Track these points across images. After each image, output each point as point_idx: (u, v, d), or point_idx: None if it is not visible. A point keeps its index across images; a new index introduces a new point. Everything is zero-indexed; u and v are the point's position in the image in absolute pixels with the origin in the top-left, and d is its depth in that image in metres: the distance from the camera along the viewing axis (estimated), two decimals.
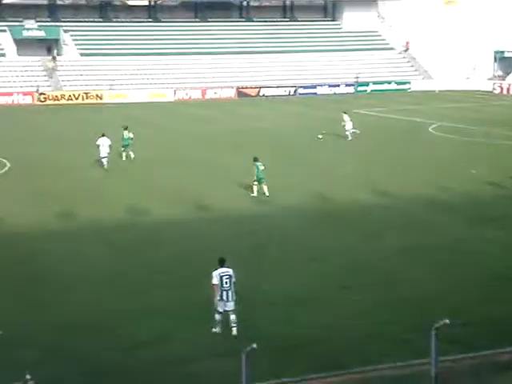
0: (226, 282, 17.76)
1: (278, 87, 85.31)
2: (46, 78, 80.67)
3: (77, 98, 77.93)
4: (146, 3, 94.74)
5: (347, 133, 49.72)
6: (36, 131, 54.71)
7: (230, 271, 17.91)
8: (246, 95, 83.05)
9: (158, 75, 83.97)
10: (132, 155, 41.45)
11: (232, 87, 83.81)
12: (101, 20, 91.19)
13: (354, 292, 20.72)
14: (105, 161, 39.40)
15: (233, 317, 17.93)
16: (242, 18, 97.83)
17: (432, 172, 37.91)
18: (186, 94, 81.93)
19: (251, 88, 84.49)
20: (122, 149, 41.66)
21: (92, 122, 59.48)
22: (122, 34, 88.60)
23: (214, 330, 18.08)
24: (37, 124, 59.54)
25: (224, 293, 17.78)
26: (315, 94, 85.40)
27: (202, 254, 23.77)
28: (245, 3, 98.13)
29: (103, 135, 40.12)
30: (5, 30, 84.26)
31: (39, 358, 16.46)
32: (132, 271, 22.68)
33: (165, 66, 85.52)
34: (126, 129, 42.27)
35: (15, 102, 75.82)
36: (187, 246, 25.29)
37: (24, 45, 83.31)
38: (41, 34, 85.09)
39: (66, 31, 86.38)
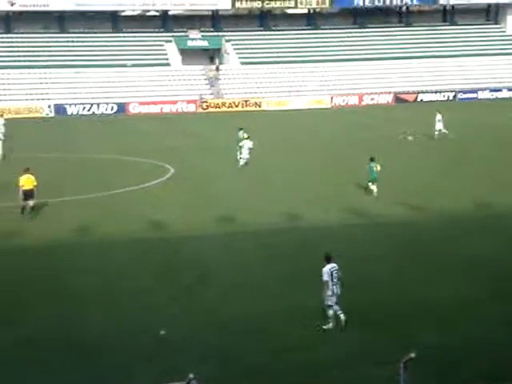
0: (335, 277, 18.50)
1: (436, 92, 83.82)
2: (208, 87, 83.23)
3: (236, 106, 79.92)
4: (306, 11, 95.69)
5: (436, 132, 51.87)
6: (198, 138, 56.64)
7: (336, 266, 18.64)
8: (404, 101, 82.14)
9: (315, 82, 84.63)
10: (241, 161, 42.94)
11: (389, 93, 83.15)
12: (261, 29, 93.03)
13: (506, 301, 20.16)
14: (242, 161, 42.15)
15: (337, 307, 18.58)
16: (401, 23, 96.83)
17: None
18: (343, 101, 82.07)
19: (409, 93, 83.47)
20: (238, 149, 43.50)
21: (250, 128, 60.76)
22: (281, 42, 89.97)
23: (325, 327, 18.51)
24: (199, 131, 61.60)
25: (334, 287, 18.47)
26: (476, 98, 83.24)
27: (353, 260, 23.97)
28: (404, 8, 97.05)
29: (247, 138, 42.80)
30: (170, 41, 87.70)
31: (198, 358, 17.05)
32: (284, 274, 23.01)
33: (322, 72, 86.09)
34: (241, 130, 45.22)
35: (179, 110, 78.72)
36: (336, 251, 25.41)
37: (188, 54, 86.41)
38: (204, 43, 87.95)
39: (227, 41, 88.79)
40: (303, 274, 22.84)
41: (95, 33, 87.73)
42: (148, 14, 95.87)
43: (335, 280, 18.48)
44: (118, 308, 20.52)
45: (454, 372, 16.08)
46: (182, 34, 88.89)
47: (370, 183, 33.81)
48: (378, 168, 33.62)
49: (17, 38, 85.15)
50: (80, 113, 76.91)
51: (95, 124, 68.41)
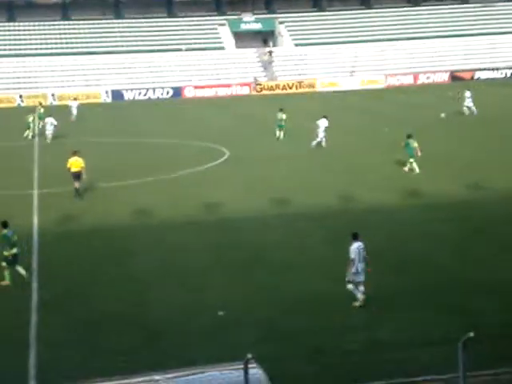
0: (363, 255, 18.69)
1: (493, 70, 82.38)
2: (262, 69, 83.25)
3: (291, 88, 79.83)
4: None
5: (464, 108, 52.68)
6: (252, 120, 56.82)
7: (363, 244, 18.79)
8: (461, 79, 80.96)
9: (369, 61, 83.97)
10: (282, 135, 45.23)
11: (446, 71, 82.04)
12: (315, 10, 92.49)
13: None
14: (316, 142, 42.19)
15: (362, 288, 18.74)
16: (456, 0, 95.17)
17: None
18: (398, 80, 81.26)
19: (465, 71, 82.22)
20: (277, 129, 45.66)
21: (305, 109, 60.75)
22: (336, 22, 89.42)
23: (356, 303, 18.77)
24: (253, 113, 61.77)
25: (359, 265, 18.65)
26: None
27: (408, 240, 23.96)
28: None
29: (324, 117, 42.78)
30: (224, 24, 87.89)
31: (257, 338, 17.28)
32: (343, 255, 23.05)
33: (376, 52, 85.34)
34: (281, 110, 46.22)
35: (234, 93, 78.99)
36: (395, 232, 25.41)
37: (242, 37, 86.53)
38: (257, 26, 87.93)
39: (281, 23, 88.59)
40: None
41: (150, 18, 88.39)
42: None
43: (361, 258, 18.69)
44: (178, 288, 20.87)
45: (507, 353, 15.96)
46: (236, 17, 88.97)
47: (411, 160, 34.30)
48: (415, 145, 34.32)
49: (74, 24, 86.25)
50: (136, 98, 77.71)
51: (152, 108, 69.08)
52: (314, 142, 42.32)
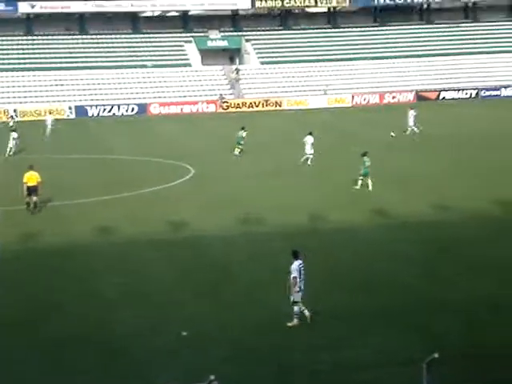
0: (302, 273, 18.62)
1: (458, 90, 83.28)
2: (229, 87, 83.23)
3: (257, 106, 79.88)
4: (326, 10, 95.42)
5: (409, 128, 54.02)
6: (218, 138, 56.63)
7: (302, 263, 18.71)
8: (426, 99, 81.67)
9: (335, 81, 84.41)
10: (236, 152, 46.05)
11: (411, 91, 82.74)
12: (281, 28, 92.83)
13: None
14: (304, 159, 42.49)
15: (297, 308, 18.59)
16: (421, 20, 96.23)
17: None
18: (364, 100, 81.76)
19: (430, 91, 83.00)
20: (240, 147, 46.47)
21: (271, 127, 60.77)
22: (302, 41, 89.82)
23: (289, 324, 18.57)
24: (219, 131, 61.60)
25: (301, 284, 18.56)
26: (498, 95, 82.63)
27: (379, 261, 23.85)
28: (425, 6, 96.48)
29: (310, 133, 43.08)
30: (190, 41, 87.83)
31: (224, 357, 16.99)
32: (309, 275, 22.87)
33: (343, 71, 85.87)
34: (242, 129, 47.32)
35: (199, 110, 78.78)
36: (362, 251, 25.31)
37: (208, 54, 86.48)
38: (224, 43, 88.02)
39: (247, 40, 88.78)
40: (328, 277, 22.73)
41: (115, 33, 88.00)
42: (168, 14, 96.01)
43: (302, 276, 18.59)
44: (143, 307, 20.54)
45: (476, 373, 15.86)
46: (202, 34, 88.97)
47: (362, 177, 35.23)
48: (368, 164, 35.21)
49: (38, 40, 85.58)
50: (101, 114, 77.12)
51: (117, 125, 68.56)
52: (302, 159, 42.57)
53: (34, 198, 31.92)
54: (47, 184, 33.41)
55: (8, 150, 48.71)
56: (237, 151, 46.66)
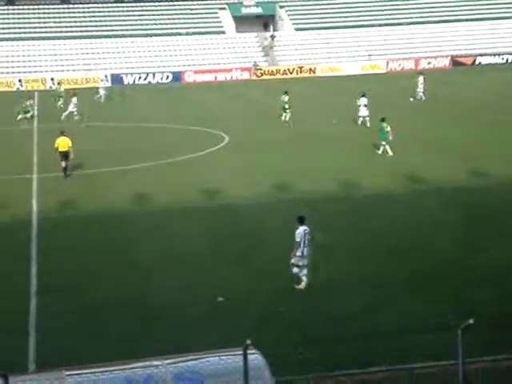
0: (308, 239, 18.94)
1: (494, 55, 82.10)
2: (263, 54, 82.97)
3: (291, 72, 79.54)
4: None
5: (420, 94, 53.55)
6: (252, 105, 56.65)
7: (308, 229, 19.03)
8: (462, 64, 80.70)
9: (370, 47, 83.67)
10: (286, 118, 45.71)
11: (446, 56, 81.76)
12: None
13: None
14: (361, 120, 43.34)
15: (305, 271, 19.04)
16: None
17: None
18: (399, 65, 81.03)
19: (466, 57, 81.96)
20: (283, 112, 46.23)
21: (306, 94, 60.60)
22: (337, 6, 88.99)
23: (300, 286, 19.04)
24: (252, 98, 61.58)
25: (305, 249, 18.90)
26: None
27: (412, 227, 23.92)
28: None
29: (363, 95, 43.73)
30: (224, 8, 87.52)
31: (257, 324, 17.28)
32: (340, 242, 23.06)
33: (378, 37, 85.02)
34: (285, 93, 46.88)
35: (233, 78, 78.72)
36: (395, 218, 25.38)
37: (242, 21, 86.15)
38: (258, 10, 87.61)
39: (281, 7, 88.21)
40: (359, 243, 22.88)
41: (151, 1, 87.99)
42: None
43: (307, 242, 18.92)
44: (178, 273, 20.89)
45: (510, 341, 15.94)
46: (236, 0, 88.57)
47: (383, 143, 35.32)
48: (388, 129, 35.28)
49: (73, 8, 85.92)
50: (136, 82, 77.46)
51: (152, 92, 68.87)
52: (359, 121, 43.35)
53: (64, 163, 33.08)
54: (85, 151, 33.93)
55: (68, 113, 50.86)
56: (284, 117, 46.01)
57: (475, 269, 20.29)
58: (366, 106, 43.33)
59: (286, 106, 46.15)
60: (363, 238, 23.35)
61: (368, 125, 42.57)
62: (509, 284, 19.21)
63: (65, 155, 33.02)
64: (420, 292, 18.91)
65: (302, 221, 19.23)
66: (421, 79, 54.43)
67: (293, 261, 19.11)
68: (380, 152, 35.55)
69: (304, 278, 19.14)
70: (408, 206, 26.93)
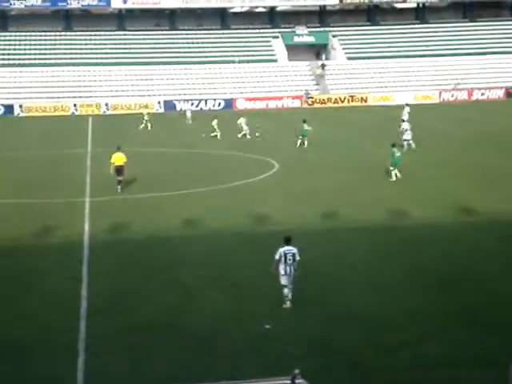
0: (290, 259, 19.67)
1: None
2: (314, 82, 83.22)
3: (342, 101, 79.61)
4: (414, 5, 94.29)
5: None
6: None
7: (294, 250, 19.77)
8: None
9: (423, 77, 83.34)
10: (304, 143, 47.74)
11: (501, 88, 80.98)
12: (368, 23, 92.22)
13: None
14: (406, 143, 45.11)
15: (286, 290, 19.82)
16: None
17: None
18: (452, 96, 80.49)
19: None
20: (300, 137, 48.24)
21: (357, 123, 60.46)
22: (389, 36, 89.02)
23: (284, 306, 19.75)
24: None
25: (287, 268, 19.67)
26: None
27: (458, 258, 23.66)
28: None
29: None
30: (277, 37, 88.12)
31: (304, 352, 17.21)
32: (391, 271, 22.91)
33: (430, 67, 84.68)
34: (304, 122, 48.57)
35: (285, 106, 79.03)
36: (446, 249, 25.12)
37: (294, 50, 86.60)
38: (310, 39, 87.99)
39: (334, 36, 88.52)
40: (413, 274, 22.67)
41: (204, 29, 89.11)
42: (256, 10, 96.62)
43: (289, 262, 19.64)
44: (225, 298, 20.92)
45: None
46: (289, 29, 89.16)
47: (391, 168, 36.50)
48: (398, 154, 36.86)
49: (129, 35, 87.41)
50: (188, 108, 78.07)
51: (203, 119, 69.43)
52: (405, 148, 44.31)
53: (120, 178, 34.90)
54: (137, 175, 34.47)
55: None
56: (299, 143, 47.93)
57: None
58: (407, 130, 45.23)
59: (305, 134, 48.08)
60: (414, 268, 23.13)
61: (413, 146, 44.68)
62: None
63: (119, 170, 34.88)
64: (471, 326, 18.59)
65: (287, 241, 19.94)
66: (407, 109, 54.89)
67: (282, 282, 19.78)
68: (393, 179, 36.27)
69: (290, 297, 19.86)
70: (459, 236, 26.63)
